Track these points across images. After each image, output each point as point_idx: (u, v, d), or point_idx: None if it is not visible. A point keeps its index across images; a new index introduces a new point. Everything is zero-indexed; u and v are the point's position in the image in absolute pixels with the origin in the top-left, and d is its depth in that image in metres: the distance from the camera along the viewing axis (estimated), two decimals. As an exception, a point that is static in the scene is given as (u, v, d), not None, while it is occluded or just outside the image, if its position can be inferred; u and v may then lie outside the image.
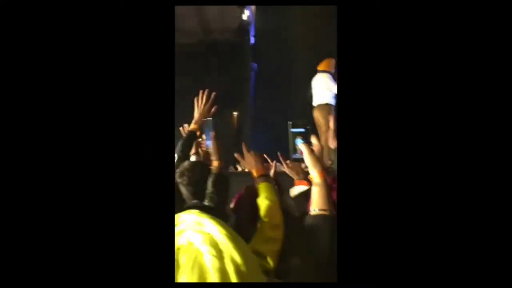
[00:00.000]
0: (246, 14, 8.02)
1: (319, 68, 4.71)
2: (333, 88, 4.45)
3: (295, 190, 1.69)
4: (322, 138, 4.35)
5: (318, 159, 1.12)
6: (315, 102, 4.72)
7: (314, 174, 1.10)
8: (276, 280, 1.10)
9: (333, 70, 4.59)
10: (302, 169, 1.87)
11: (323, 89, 4.57)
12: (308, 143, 1.14)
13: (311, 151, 1.11)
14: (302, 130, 1.15)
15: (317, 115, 4.64)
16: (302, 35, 5.97)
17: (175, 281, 0.86)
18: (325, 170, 1.11)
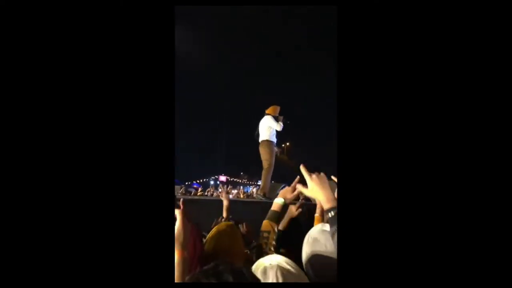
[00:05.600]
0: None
1: (267, 111, 5.79)
2: (274, 126, 5.58)
3: None
4: (263, 173, 5.45)
5: (178, 235, 1.04)
6: (260, 139, 5.69)
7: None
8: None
9: (277, 114, 5.75)
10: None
11: (266, 127, 5.62)
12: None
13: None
14: None
15: (261, 150, 5.64)
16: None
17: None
18: (185, 249, 1.05)
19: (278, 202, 1.74)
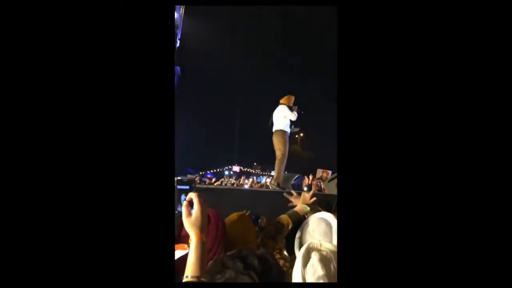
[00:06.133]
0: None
1: (281, 101, 5.79)
2: (289, 115, 5.57)
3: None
4: (276, 162, 5.43)
5: (196, 220, 1.01)
6: (274, 129, 5.70)
7: (192, 236, 1.01)
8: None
9: (291, 104, 5.75)
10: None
11: (281, 117, 5.62)
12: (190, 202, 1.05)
13: (189, 214, 1.02)
14: (186, 187, 1.10)
15: (274, 139, 5.65)
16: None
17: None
18: (204, 233, 1.02)
19: (305, 209, 1.82)
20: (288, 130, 5.68)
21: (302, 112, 5.81)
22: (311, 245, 1.12)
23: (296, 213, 1.78)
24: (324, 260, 1.02)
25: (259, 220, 2.16)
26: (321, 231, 1.33)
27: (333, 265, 1.02)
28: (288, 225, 1.69)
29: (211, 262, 0.91)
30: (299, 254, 1.09)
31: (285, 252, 1.54)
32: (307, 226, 1.43)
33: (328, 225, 1.37)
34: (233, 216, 1.61)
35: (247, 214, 2.28)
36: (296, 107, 5.71)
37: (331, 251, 1.08)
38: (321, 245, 1.14)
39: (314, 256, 1.04)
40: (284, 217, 1.73)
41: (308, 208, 1.81)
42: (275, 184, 5.48)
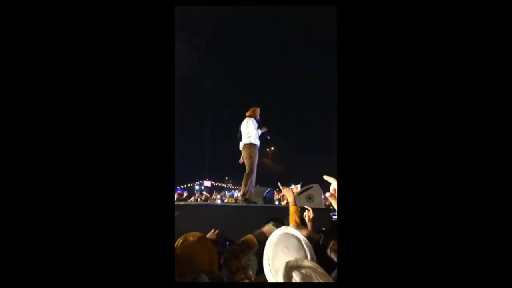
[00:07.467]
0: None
1: (247, 114, 5.76)
2: (252, 129, 5.50)
3: None
4: (244, 176, 5.33)
5: None
6: (242, 142, 5.61)
7: None
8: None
9: (257, 116, 5.72)
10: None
11: (247, 131, 5.54)
12: None
13: None
14: None
15: (243, 153, 5.54)
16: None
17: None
18: None
19: (272, 229, 1.73)
20: (256, 142, 5.56)
21: (268, 138, 5.78)
22: (289, 265, 1.09)
23: (263, 233, 1.70)
24: (306, 279, 1.01)
25: (227, 243, 2.08)
26: (294, 247, 1.30)
27: (316, 281, 1.00)
28: (254, 246, 1.61)
29: None
30: (279, 275, 1.07)
31: (250, 272, 1.48)
32: (278, 244, 1.36)
33: (297, 239, 1.33)
34: (190, 236, 1.51)
35: (215, 233, 2.20)
36: (264, 128, 5.66)
37: (309, 267, 1.06)
38: (297, 262, 1.11)
39: (296, 277, 1.02)
40: (250, 238, 1.65)
41: (275, 228, 1.71)
42: (243, 199, 5.27)
